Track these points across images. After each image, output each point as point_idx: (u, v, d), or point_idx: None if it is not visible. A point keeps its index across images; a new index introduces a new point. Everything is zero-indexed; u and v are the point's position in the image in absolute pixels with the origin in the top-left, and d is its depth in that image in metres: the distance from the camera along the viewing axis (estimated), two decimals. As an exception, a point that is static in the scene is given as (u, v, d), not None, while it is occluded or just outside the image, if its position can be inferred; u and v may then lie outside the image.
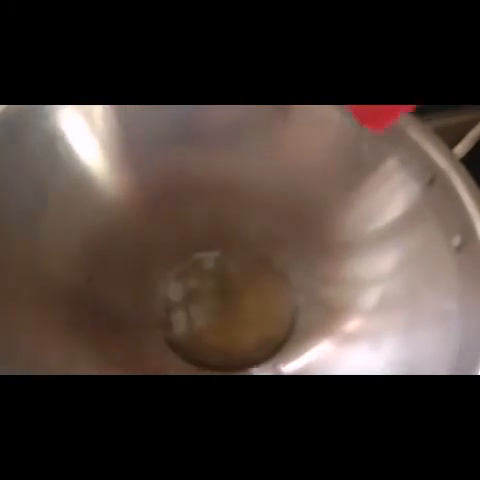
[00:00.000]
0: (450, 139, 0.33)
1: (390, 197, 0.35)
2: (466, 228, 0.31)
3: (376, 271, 0.36)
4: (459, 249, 0.31)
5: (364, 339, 0.35)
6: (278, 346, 0.37)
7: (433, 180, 0.33)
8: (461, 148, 0.33)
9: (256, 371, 0.36)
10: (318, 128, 0.36)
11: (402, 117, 0.33)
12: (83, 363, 0.33)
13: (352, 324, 0.36)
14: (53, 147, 0.34)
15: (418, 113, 0.34)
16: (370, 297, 0.36)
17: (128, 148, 0.37)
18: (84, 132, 0.35)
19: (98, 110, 0.35)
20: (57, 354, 0.32)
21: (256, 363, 0.36)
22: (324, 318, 0.37)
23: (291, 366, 0.36)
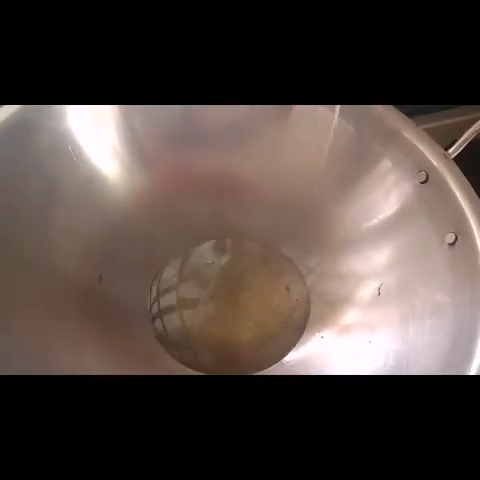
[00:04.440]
0: (443, 139, 0.34)
1: (386, 195, 0.36)
2: (459, 225, 0.31)
3: (372, 266, 0.37)
4: (452, 245, 0.32)
5: (361, 331, 0.36)
6: (278, 338, 0.38)
7: (427, 179, 0.33)
8: (455, 148, 0.33)
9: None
10: (316, 130, 0.37)
11: (397, 119, 0.34)
12: (90, 356, 0.33)
13: (349, 316, 0.37)
14: (63, 147, 0.35)
15: (412, 114, 0.35)
16: (366, 291, 0.37)
17: (136, 148, 0.38)
18: (93, 133, 0.36)
19: (106, 111, 0.36)
20: (67, 348, 0.33)
21: (256, 356, 0.37)
22: (323, 311, 0.38)
23: (291, 357, 0.37)
